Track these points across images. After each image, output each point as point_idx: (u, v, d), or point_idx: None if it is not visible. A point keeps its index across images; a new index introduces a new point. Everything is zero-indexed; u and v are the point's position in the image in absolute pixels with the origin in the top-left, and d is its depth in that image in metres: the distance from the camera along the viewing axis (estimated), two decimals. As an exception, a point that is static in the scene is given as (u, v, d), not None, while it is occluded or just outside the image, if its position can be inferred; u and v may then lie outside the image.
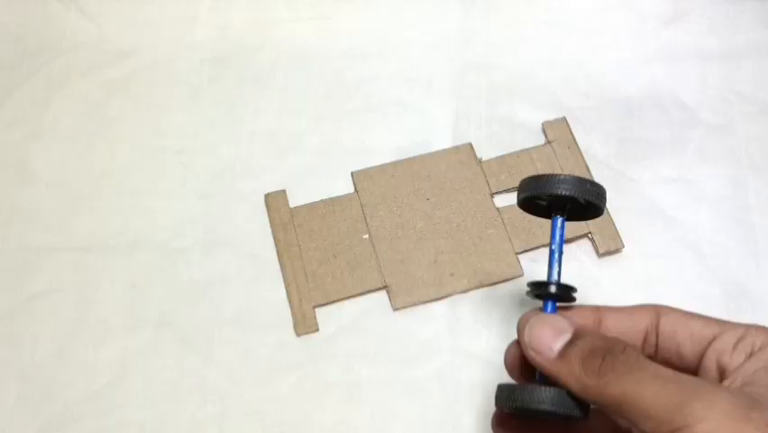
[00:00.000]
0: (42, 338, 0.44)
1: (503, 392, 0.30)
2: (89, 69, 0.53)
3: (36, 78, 0.53)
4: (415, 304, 0.44)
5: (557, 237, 0.32)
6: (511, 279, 0.45)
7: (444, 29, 0.54)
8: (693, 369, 0.31)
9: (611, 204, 0.48)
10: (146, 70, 0.53)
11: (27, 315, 0.45)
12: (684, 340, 0.31)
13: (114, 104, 0.52)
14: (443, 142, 0.50)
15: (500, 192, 0.48)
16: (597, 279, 0.45)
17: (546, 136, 0.50)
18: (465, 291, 0.45)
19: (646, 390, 0.26)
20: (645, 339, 0.32)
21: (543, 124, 0.50)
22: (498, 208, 0.47)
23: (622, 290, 0.45)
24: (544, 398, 0.29)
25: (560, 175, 0.30)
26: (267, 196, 0.48)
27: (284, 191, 0.48)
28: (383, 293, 0.45)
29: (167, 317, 0.44)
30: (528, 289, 0.32)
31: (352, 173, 0.48)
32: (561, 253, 0.31)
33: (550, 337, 0.30)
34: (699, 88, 0.51)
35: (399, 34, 0.54)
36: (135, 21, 0.54)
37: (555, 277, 0.31)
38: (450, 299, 0.45)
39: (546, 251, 0.32)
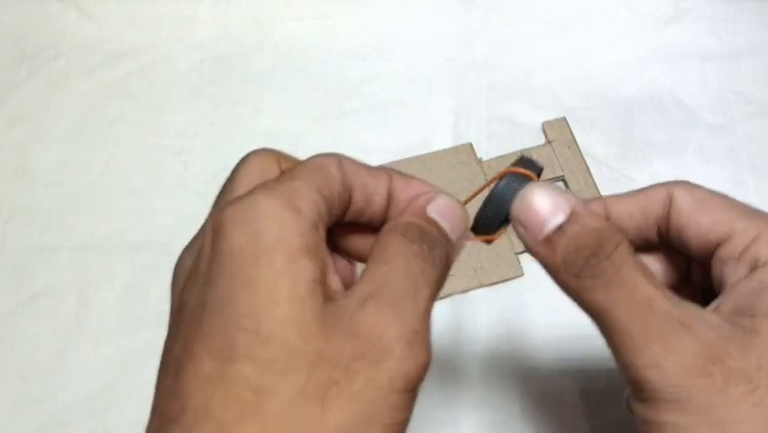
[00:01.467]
0: (42, 338, 0.44)
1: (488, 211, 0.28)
2: (89, 69, 0.53)
3: (36, 78, 0.53)
4: None
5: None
6: (511, 279, 0.45)
7: (444, 29, 0.54)
8: (707, 271, 0.27)
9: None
10: (146, 70, 0.53)
11: (27, 315, 0.45)
12: (691, 239, 0.27)
13: (114, 104, 0.52)
14: (443, 141, 0.50)
15: None
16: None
17: (546, 136, 0.50)
18: (465, 291, 0.45)
19: (618, 312, 0.24)
20: (659, 229, 0.28)
21: (543, 124, 0.50)
22: None
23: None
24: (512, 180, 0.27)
25: (491, 193, 0.27)
26: None
27: None
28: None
29: (167, 318, 0.44)
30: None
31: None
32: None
33: (540, 219, 0.26)
34: (699, 88, 0.51)
35: (399, 34, 0.54)
36: (135, 21, 0.54)
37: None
38: (450, 298, 0.45)
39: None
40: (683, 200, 0.27)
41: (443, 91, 0.52)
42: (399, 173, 0.26)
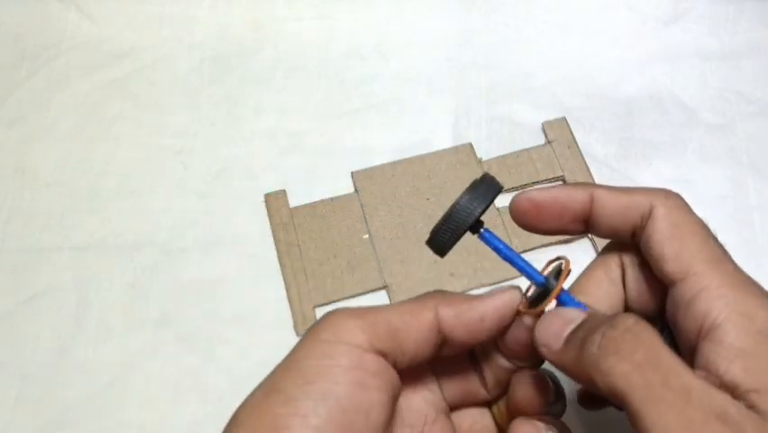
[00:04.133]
0: (42, 338, 0.44)
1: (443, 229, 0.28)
2: (89, 69, 0.53)
3: (36, 78, 0.53)
4: None
5: (501, 246, 0.28)
6: (511, 279, 0.45)
7: (444, 29, 0.54)
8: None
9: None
10: (146, 70, 0.53)
11: (27, 315, 0.45)
12: (655, 263, 0.27)
13: (114, 104, 0.52)
14: (443, 141, 0.50)
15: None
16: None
17: (546, 136, 0.50)
18: (465, 291, 0.45)
19: (646, 401, 0.22)
20: (633, 235, 0.28)
21: (543, 124, 0.50)
22: (497, 209, 0.47)
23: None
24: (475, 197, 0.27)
25: (455, 206, 0.28)
26: (267, 196, 0.48)
27: (284, 191, 0.48)
28: (383, 293, 0.45)
29: (167, 317, 0.44)
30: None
31: (351, 173, 0.48)
32: (515, 253, 0.28)
33: (554, 332, 0.26)
34: (699, 88, 0.51)
35: (399, 34, 0.54)
36: (135, 21, 0.54)
37: (538, 276, 0.28)
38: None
39: (540, 255, 0.31)
40: (660, 219, 0.27)
41: (443, 91, 0.52)
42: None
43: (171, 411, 0.42)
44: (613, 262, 0.29)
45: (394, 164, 0.49)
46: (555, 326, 0.26)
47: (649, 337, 0.23)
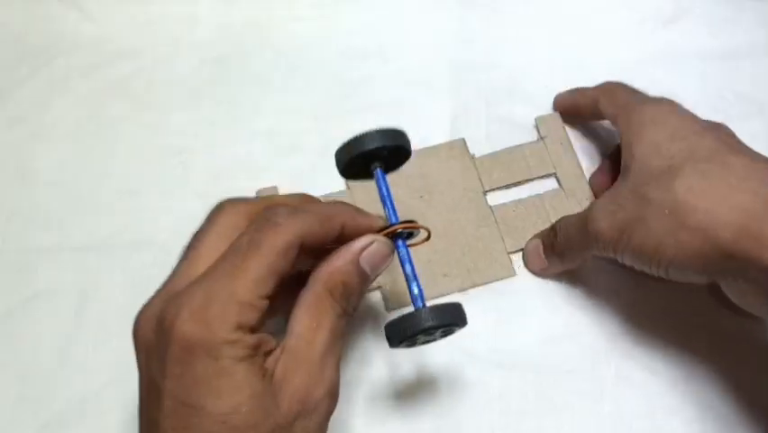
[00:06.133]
0: (42, 338, 0.44)
1: (392, 328, 0.33)
2: (89, 69, 0.53)
3: (36, 78, 0.53)
4: (408, 305, 0.44)
5: (383, 187, 0.35)
6: (502, 279, 0.45)
7: (444, 29, 0.54)
8: None
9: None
10: (146, 70, 0.53)
11: (27, 315, 0.45)
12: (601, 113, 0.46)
13: (114, 104, 0.52)
14: (443, 141, 0.50)
15: (493, 190, 0.48)
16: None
17: (539, 132, 0.49)
18: (460, 291, 0.45)
19: (571, 229, 0.42)
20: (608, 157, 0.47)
21: (536, 120, 0.50)
22: (490, 207, 0.47)
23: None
24: (428, 317, 0.32)
25: (363, 133, 0.34)
26: (259, 192, 0.47)
27: (275, 187, 0.47)
28: (377, 294, 0.45)
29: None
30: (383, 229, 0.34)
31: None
32: (392, 200, 0.35)
33: (536, 255, 0.44)
34: (699, 88, 0.51)
35: (399, 34, 0.54)
36: (135, 21, 0.54)
37: (395, 219, 0.34)
38: (443, 299, 0.45)
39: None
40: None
41: (443, 91, 0.52)
42: (354, 210, 0.33)
43: (171, 411, 0.42)
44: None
45: None
46: (534, 256, 0.45)
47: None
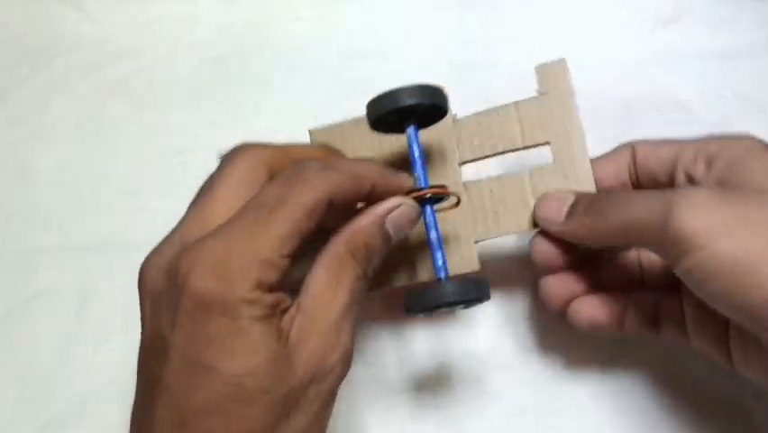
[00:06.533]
0: (42, 338, 0.44)
1: (413, 297, 0.32)
2: (89, 69, 0.53)
3: (36, 78, 0.53)
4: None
5: (415, 148, 0.34)
6: (461, 272, 0.38)
7: (444, 29, 0.54)
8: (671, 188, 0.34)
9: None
10: (146, 70, 0.53)
11: (27, 315, 0.45)
12: (656, 166, 0.36)
13: (114, 104, 0.52)
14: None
15: (471, 161, 0.39)
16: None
17: (539, 86, 0.40)
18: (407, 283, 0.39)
19: (639, 205, 0.31)
20: (629, 175, 0.37)
21: (536, 69, 0.40)
22: (464, 183, 0.39)
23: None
24: (453, 290, 0.31)
25: (400, 88, 0.33)
26: None
27: None
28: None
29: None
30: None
31: (309, 131, 0.43)
32: (423, 162, 0.34)
33: (555, 208, 0.35)
34: (698, 88, 0.51)
35: (399, 34, 0.54)
36: (135, 21, 0.54)
37: (424, 183, 0.33)
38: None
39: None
40: (643, 144, 0.37)
41: (443, 91, 0.52)
42: (384, 169, 0.32)
43: (171, 411, 0.42)
44: (626, 153, 0.38)
45: (355, 122, 0.41)
46: (554, 205, 0.35)
47: (626, 192, 0.36)
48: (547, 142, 0.38)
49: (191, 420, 0.26)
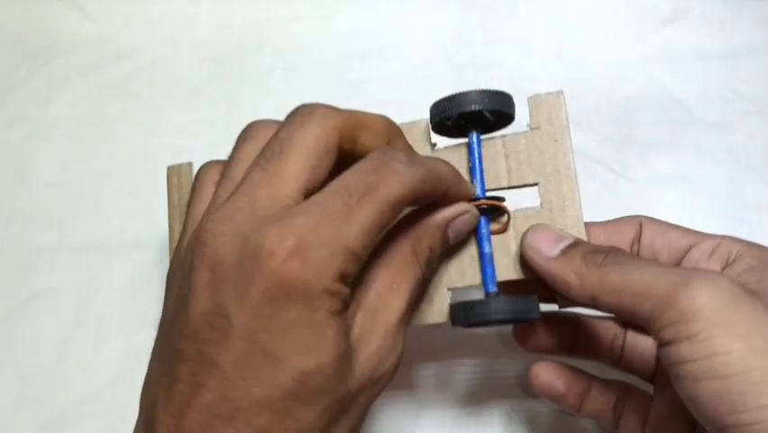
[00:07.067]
0: (42, 338, 0.44)
1: (461, 309, 0.31)
2: (89, 69, 0.53)
3: (36, 78, 0.53)
4: None
5: (477, 155, 0.33)
6: (429, 324, 0.33)
7: (444, 29, 0.54)
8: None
9: (609, 203, 0.48)
10: (146, 70, 0.53)
11: (27, 315, 0.45)
12: (662, 249, 0.32)
13: (114, 104, 0.52)
14: (441, 142, 0.50)
15: None
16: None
17: (531, 119, 0.35)
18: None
19: (647, 272, 0.26)
20: (630, 250, 0.33)
21: (528, 101, 0.35)
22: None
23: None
24: (499, 308, 0.30)
25: (465, 92, 0.32)
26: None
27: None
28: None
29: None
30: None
31: None
32: (482, 170, 0.33)
33: (551, 240, 0.30)
34: (698, 87, 0.51)
35: (399, 34, 0.54)
36: (135, 21, 0.54)
37: (482, 192, 0.32)
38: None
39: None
40: (652, 223, 0.33)
41: (443, 91, 0.52)
42: (457, 173, 0.30)
43: (171, 411, 0.42)
44: (631, 227, 0.34)
45: None
46: (549, 237, 0.30)
47: (635, 256, 0.32)
48: (535, 183, 0.33)
49: (244, 413, 0.23)
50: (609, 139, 0.50)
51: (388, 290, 0.27)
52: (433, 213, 0.29)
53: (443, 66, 0.53)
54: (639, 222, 0.33)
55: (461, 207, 0.30)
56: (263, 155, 0.27)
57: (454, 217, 0.29)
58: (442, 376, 0.43)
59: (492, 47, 0.53)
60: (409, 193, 0.26)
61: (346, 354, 0.24)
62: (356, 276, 0.25)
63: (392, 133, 0.30)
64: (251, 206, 0.25)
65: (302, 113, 0.28)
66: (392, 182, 0.25)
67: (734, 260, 0.30)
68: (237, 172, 0.28)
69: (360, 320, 0.26)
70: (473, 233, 0.32)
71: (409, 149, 0.31)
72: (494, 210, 0.32)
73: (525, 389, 0.41)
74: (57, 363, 0.43)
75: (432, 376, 0.43)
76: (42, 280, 0.46)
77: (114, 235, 0.47)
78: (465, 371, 0.43)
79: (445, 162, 0.30)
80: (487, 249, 0.32)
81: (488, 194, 0.32)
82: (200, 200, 0.29)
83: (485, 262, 0.32)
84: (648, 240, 0.33)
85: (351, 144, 0.27)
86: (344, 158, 0.27)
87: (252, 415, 0.23)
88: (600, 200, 0.46)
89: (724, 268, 0.30)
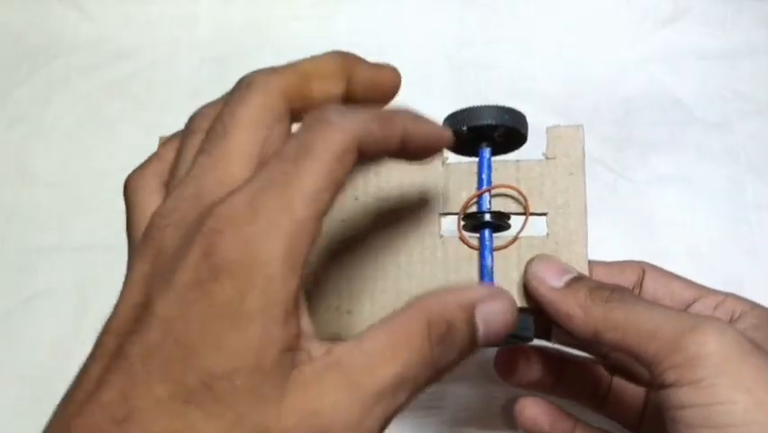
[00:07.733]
0: (42, 338, 0.44)
1: None
2: (89, 69, 0.53)
3: (36, 78, 0.53)
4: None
5: (485, 170, 0.32)
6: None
7: (444, 29, 0.54)
8: None
9: (609, 203, 0.48)
10: (146, 70, 0.53)
11: (27, 315, 0.45)
12: (664, 299, 0.32)
13: (114, 104, 0.52)
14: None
15: (450, 214, 0.33)
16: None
17: (547, 149, 0.33)
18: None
19: (655, 313, 0.26)
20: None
21: (548, 131, 0.34)
22: (441, 236, 0.32)
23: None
24: None
25: (479, 106, 0.32)
26: None
27: None
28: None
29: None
30: (464, 222, 0.32)
31: None
32: (490, 182, 0.32)
33: (556, 272, 0.29)
34: (698, 87, 0.51)
35: (399, 34, 0.54)
36: (135, 21, 0.54)
37: (484, 206, 0.32)
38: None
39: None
40: (655, 271, 0.33)
41: (443, 91, 0.52)
42: (414, 113, 0.27)
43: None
44: (633, 272, 0.33)
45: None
46: (554, 268, 0.29)
47: (642, 297, 0.32)
48: (544, 213, 0.32)
49: (140, 415, 0.20)
50: (609, 139, 0.50)
51: (378, 354, 0.21)
52: (456, 290, 0.23)
53: (443, 66, 0.53)
54: (642, 268, 0.33)
55: (482, 290, 0.24)
56: (208, 139, 0.24)
57: (477, 300, 0.23)
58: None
59: (492, 47, 0.53)
60: (352, 140, 0.22)
61: (272, 373, 0.19)
62: (310, 253, 0.21)
63: (348, 70, 0.27)
64: (198, 192, 0.22)
65: (240, 86, 0.25)
66: (328, 134, 0.22)
67: (738, 317, 0.30)
68: (184, 169, 0.25)
69: (323, 364, 0.20)
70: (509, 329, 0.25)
71: (375, 73, 0.28)
72: (499, 225, 0.31)
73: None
74: (57, 363, 0.43)
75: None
76: (42, 280, 0.46)
77: (114, 235, 0.47)
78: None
79: (399, 106, 0.27)
80: (488, 262, 0.31)
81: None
82: (139, 221, 0.25)
83: (484, 275, 0.30)
84: (650, 287, 0.32)
85: (303, 101, 0.25)
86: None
87: (148, 419, 0.19)
88: (600, 200, 0.46)
89: (733, 322, 0.30)
